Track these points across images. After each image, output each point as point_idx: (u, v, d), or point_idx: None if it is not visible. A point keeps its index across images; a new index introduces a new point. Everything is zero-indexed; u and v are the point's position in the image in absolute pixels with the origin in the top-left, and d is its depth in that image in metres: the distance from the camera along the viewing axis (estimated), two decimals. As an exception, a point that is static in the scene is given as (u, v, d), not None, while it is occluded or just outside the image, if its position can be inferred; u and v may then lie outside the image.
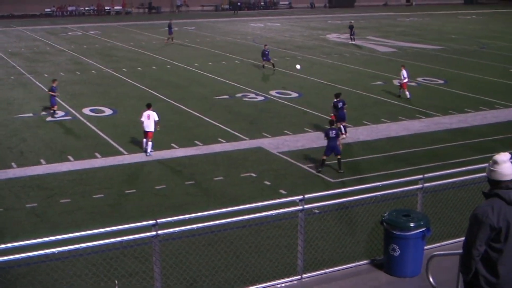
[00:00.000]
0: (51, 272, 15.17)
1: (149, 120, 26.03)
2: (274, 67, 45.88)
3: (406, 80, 36.37)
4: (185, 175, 23.74)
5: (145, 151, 26.17)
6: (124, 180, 23.30)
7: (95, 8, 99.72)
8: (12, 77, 43.57)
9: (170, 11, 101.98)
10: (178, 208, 20.20)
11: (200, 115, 32.43)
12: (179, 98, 36.32)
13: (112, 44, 61.94)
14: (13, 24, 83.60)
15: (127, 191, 22.08)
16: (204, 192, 22.04)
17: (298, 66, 41.67)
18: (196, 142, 27.76)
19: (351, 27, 63.59)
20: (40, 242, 11.08)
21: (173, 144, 27.45)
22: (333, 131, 24.04)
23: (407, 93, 36.39)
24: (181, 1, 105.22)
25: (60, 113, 32.70)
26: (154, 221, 11.28)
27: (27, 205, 20.85)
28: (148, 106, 26.67)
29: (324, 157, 23.97)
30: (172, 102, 35.61)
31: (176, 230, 11.96)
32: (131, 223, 12.06)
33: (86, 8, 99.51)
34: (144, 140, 26.32)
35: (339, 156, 24.00)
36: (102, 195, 21.63)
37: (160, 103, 34.86)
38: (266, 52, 46.21)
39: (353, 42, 62.44)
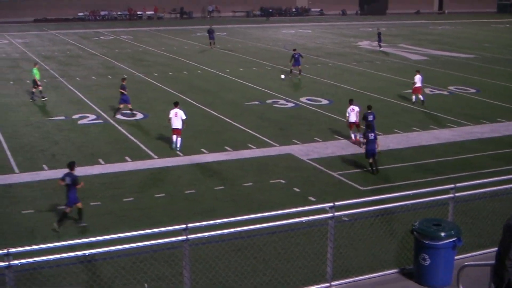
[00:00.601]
0: (81, 274, 15.27)
1: (177, 117, 27.47)
2: (300, 73, 45.82)
3: (418, 85, 36.51)
4: (215, 180, 23.77)
5: (175, 147, 27.38)
6: (154, 184, 23.38)
7: (127, 13, 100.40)
8: (45, 80, 43.91)
9: (201, 17, 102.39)
10: (207, 213, 20.24)
11: (230, 121, 32.47)
12: (209, 103, 36.42)
13: (144, 49, 62.31)
14: (47, 27, 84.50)
15: (156, 195, 22.16)
16: (233, 198, 22.04)
17: (282, 76, 42.00)
18: (226, 147, 27.80)
19: (378, 34, 63.46)
20: (70, 244, 11.16)
21: (203, 149, 27.51)
22: (372, 134, 24.53)
23: (420, 97, 36.56)
24: (213, 7, 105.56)
25: (91, 116, 32.97)
26: (184, 226, 11.29)
27: (58, 207, 21.00)
28: (176, 104, 28.10)
29: (371, 160, 24.61)
30: (202, 107, 35.72)
31: (206, 235, 11.98)
32: (161, 227, 12.08)
33: (119, 13, 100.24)
34: (174, 136, 27.52)
35: (375, 158, 24.60)
36: (132, 199, 21.74)
37: (191, 108, 34.99)
38: (296, 56, 46.00)
39: (380, 49, 62.29)
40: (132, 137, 29.37)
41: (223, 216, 13.81)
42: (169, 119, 27.64)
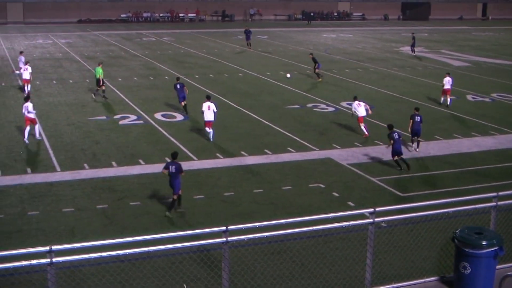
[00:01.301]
0: (120, 273, 15.37)
1: (209, 110, 29.00)
2: (319, 77, 46.28)
3: (447, 87, 36.86)
4: (253, 183, 23.79)
5: (210, 138, 29.07)
6: (193, 185, 23.45)
7: (169, 15, 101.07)
8: (87, 80, 44.46)
9: (243, 19, 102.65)
10: (245, 216, 20.27)
11: (270, 124, 32.46)
12: (249, 106, 36.46)
13: (185, 51, 62.65)
14: (90, 28, 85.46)
15: (195, 197, 22.24)
16: (271, 201, 22.01)
17: (288, 75, 43.49)
18: (265, 150, 27.81)
19: (413, 38, 63.02)
20: (109, 244, 11.23)
21: (242, 152, 27.56)
22: (396, 133, 25.44)
23: (448, 99, 36.80)
24: (255, 10, 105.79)
25: (132, 117, 33.27)
26: (224, 228, 11.29)
27: (98, 206, 21.22)
28: (208, 98, 29.85)
29: (396, 158, 25.38)
30: (242, 109, 35.78)
31: (245, 238, 11.97)
32: (200, 229, 12.12)
33: (161, 15, 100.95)
34: (207, 128, 29.12)
35: (401, 156, 25.44)
36: (170, 200, 21.81)
37: (230, 110, 35.11)
38: (316, 60, 47.02)
39: (413, 54, 61.91)
40: (172, 138, 29.53)
41: (261, 219, 13.80)
42: (202, 112, 29.02)
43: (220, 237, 11.48)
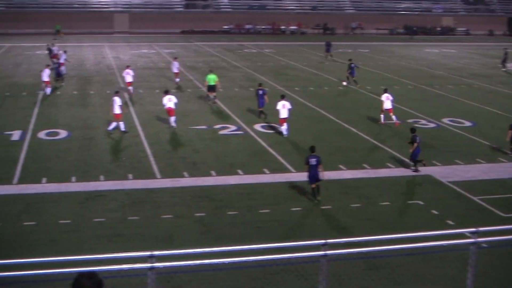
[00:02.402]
0: (215, 282, 15.51)
1: (284, 108, 32.10)
2: (347, 81, 48.33)
3: None
4: (351, 197, 23.62)
5: (285, 134, 31.95)
6: (291, 197, 23.48)
7: (271, 27, 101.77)
8: (189, 90, 45.25)
9: (344, 33, 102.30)
10: (342, 230, 20.19)
11: (369, 138, 32.17)
12: (349, 120, 36.22)
13: (286, 63, 62.89)
14: (193, 39, 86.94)
15: (292, 209, 22.26)
16: (369, 216, 21.79)
17: (344, 83, 47.06)
18: (364, 165, 27.58)
19: (505, 54, 61.31)
20: (207, 252, 11.34)
21: (340, 166, 27.41)
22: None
23: None
24: (357, 23, 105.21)
25: (232, 127, 33.63)
26: (323, 241, 11.20)
27: (196, 214, 21.53)
28: (282, 97, 32.99)
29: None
30: (341, 123, 35.60)
31: (345, 252, 11.86)
32: (297, 241, 12.10)
33: (263, 27, 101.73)
34: (283, 124, 31.97)
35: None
36: (268, 211, 21.94)
37: (329, 124, 35.05)
38: (352, 66, 48.70)
39: (504, 69, 60.25)
40: (271, 150, 29.66)
41: (358, 234, 13.63)
42: (278, 110, 32.17)
43: (319, 250, 11.39)
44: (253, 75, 53.72)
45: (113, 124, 32.05)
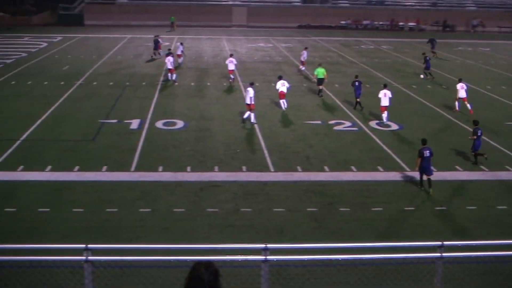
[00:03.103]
0: (325, 277, 15.47)
1: (386, 97, 34.05)
2: (426, 76, 49.36)
3: None
4: (467, 199, 23.07)
5: (385, 121, 33.83)
6: (404, 196, 23.14)
7: (389, 23, 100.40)
8: (305, 85, 45.29)
9: (464, 30, 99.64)
10: (456, 232, 19.77)
11: (488, 140, 31.15)
12: (467, 120, 35.25)
13: (403, 60, 61.87)
14: (310, 34, 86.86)
15: (406, 208, 21.95)
16: (484, 219, 21.21)
17: (421, 76, 47.46)
18: (481, 166, 26.83)
19: None
20: (320, 247, 11.34)
21: (457, 166, 26.78)
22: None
23: None
24: (477, 21, 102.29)
25: (346, 123, 33.45)
26: (440, 243, 10.93)
27: (308, 209, 21.55)
28: (385, 86, 35.40)
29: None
30: (459, 123, 34.72)
31: (461, 255, 11.55)
32: (408, 241, 11.89)
33: (380, 23, 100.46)
34: (384, 112, 33.96)
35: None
36: (380, 209, 21.71)
37: (446, 123, 34.31)
38: (428, 58, 50.07)
39: None
40: (385, 147, 29.29)
41: (474, 237, 13.27)
42: (379, 98, 34.09)
43: (434, 251, 11.13)
44: (369, 71, 53.16)
45: (247, 114, 33.40)
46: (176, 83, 44.17)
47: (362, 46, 73.82)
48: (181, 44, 55.44)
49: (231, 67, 45.36)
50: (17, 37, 73.55)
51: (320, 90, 41.51)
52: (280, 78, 37.25)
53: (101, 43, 69.16)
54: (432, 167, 23.78)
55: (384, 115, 33.95)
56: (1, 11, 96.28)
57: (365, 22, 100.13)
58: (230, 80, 45.08)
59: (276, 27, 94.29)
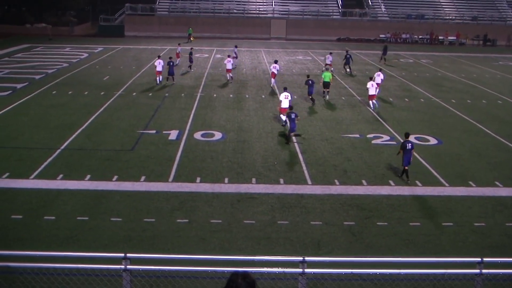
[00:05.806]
0: (362, 292, 15.38)
1: (372, 87, 39.70)
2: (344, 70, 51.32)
3: None
4: (506, 216, 22.75)
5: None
6: (442, 211, 22.92)
7: (429, 37, 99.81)
8: (343, 98, 45.21)
9: (506, 45, 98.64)
10: (495, 249, 19.50)
11: (529, 156, 30.82)
12: (507, 135, 34.84)
13: (442, 74, 61.43)
14: (348, 47, 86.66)
15: (444, 223, 21.75)
16: (525, 237, 20.94)
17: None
18: (519, 182, 26.53)
19: None
20: (357, 261, 11.29)
21: (496, 182, 26.48)
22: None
23: None
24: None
25: (385, 137, 33.31)
26: (479, 259, 10.82)
27: (345, 223, 21.47)
28: (371, 78, 40.99)
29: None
30: (499, 138, 34.31)
31: (502, 272, 11.38)
32: (446, 257, 11.80)
33: (420, 37, 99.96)
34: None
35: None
36: (418, 224, 21.55)
37: (486, 138, 33.94)
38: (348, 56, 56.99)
39: None
40: (424, 162, 29.07)
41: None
42: (367, 89, 39.71)
43: (473, 268, 11.03)
44: (408, 85, 52.88)
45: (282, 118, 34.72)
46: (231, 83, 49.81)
47: (401, 60, 73.49)
48: (236, 47, 64.10)
49: (228, 66, 51.84)
50: (58, 47, 74.75)
51: (324, 92, 45.09)
52: (285, 89, 37.31)
53: (141, 54, 69.91)
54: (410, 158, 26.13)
55: (371, 102, 39.99)
56: (43, 22, 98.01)
57: (404, 35, 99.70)
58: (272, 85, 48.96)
59: (315, 40, 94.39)
